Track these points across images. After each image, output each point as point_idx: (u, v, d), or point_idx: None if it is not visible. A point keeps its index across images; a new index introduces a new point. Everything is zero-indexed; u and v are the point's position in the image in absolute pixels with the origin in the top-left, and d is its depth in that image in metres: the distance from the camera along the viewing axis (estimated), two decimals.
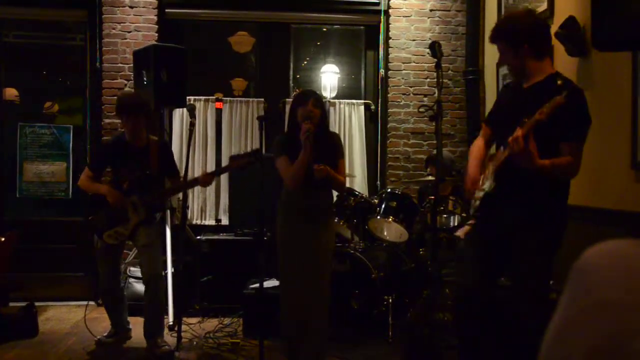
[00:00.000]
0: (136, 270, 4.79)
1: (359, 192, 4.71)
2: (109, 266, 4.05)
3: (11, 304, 4.66)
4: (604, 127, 2.83)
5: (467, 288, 2.94)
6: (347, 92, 6.11)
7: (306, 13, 5.92)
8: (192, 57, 5.70)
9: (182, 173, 4.09)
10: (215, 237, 5.25)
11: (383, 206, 4.47)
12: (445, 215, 4.40)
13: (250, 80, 6.31)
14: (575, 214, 2.96)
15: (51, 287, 5.43)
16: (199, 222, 5.78)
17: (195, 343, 4.17)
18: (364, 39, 6.11)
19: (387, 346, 4.09)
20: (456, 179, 4.47)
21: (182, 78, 4.74)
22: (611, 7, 1.97)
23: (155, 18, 5.57)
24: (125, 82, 5.49)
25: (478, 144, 3.05)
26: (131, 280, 4.96)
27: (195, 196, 5.78)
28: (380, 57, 5.82)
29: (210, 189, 5.79)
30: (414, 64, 5.70)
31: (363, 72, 6.11)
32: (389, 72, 5.71)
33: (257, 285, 3.88)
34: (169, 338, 4.11)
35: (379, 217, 4.47)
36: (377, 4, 5.74)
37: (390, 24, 5.69)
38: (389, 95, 5.73)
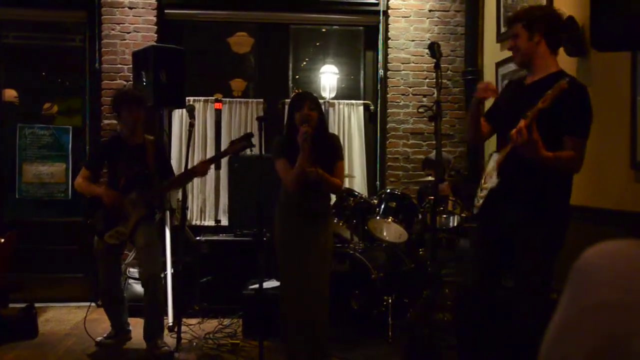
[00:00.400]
0: (135, 271, 4.78)
1: (359, 193, 4.71)
2: (109, 267, 4.05)
3: (11, 305, 4.65)
4: (603, 127, 2.84)
5: (468, 288, 2.94)
6: (346, 92, 6.11)
7: (305, 14, 5.93)
8: (191, 57, 5.69)
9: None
10: (215, 237, 5.25)
11: (382, 206, 4.47)
12: (444, 216, 4.40)
13: (250, 81, 6.30)
14: (575, 213, 2.96)
15: (51, 288, 5.42)
16: (198, 222, 5.78)
17: (195, 344, 4.17)
18: (363, 40, 6.11)
19: (387, 346, 4.09)
20: (455, 179, 4.47)
21: (181, 79, 4.75)
22: (610, 8, 1.97)
23: (155, 19, 5.57)
24: (125, 82, 5.48)
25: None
26: (131, 281, 4.96)
27: (195, 197, 5.78)
28: (379, 57, 5.82)
29: (210, 190, 5.79)
30: (413, 64, 5.71)
31: (362, 72, 6.11)
32: (388, 72, 5.71)
33: (256, 285, 3.88)
34: (169, 339, 4.11)
35: (378, 217, 4.47)
36: (376, 4, 5.74)
37: (389, 24, 5.69)
38: (388, 95, 5.73)
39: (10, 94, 5.98)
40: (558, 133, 2.62)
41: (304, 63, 6.30)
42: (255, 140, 3.88)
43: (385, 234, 4.68)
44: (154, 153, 4.04)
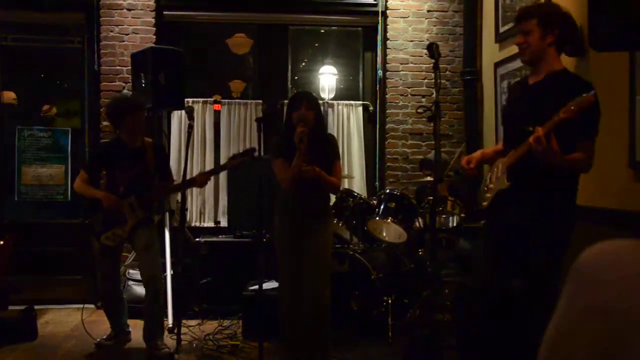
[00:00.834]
0: (135, 273, 4.79)
1: (358, 193, 4.71)
2: (107, 268, 4.05)
3: (10, 308, 4.65)
4: (602, 127, 2.83)
5: (473, 289, 2.93)
6: (345, 93, 6.12)
7: (304, 15, 5.93)
8: (190, 59, 5.70)
9: (181, 175, 4.09)
10: (214, 239, 5.25)
11: (382, 207, 4.47)
12: (444, 216, 4.40)
13: (249, 82, 6.31)
14: None
15: (50, 290, 5.42)
16: (198, 224, 5.78)
17: (194, 345, 4.17)
18: (361, 40, 6.11)
19: (386, 347, 4.09)
20: (454, 179, 4.47)
21: (180, 80, 4.75)
22: (608, 8, 1.97)
23: (153, 20, 5.57)
24: (124, 84, 5.49)
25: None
26: (130, 282, 4.95)
27: (194, 198, 5.78)
28: (378, 58, 5.83)
29: (209, 191, 5.79)
30: (411, 64, 5.71)
31: (361, 73, 6.11)
32: (387, 73, 5.72)
33: (256, 286, 3.88)
34: (169, 340, 4.11)
35: (378, 218, 4.47)
36: (375, 5, 5.75)
37: (387, 25, 5.70)
38: (387, 96, 5.73)
39: (9, 95, 5.98)
40: (570, 136, 2.59)
41: (303, 64, 6.30)
42: (254, 141, 3.88)
43: (384, 234, 4.68)
44: (153, 156, 4.04)
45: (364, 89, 6.08)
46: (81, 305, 4.64)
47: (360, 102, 5.97)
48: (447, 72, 5.69)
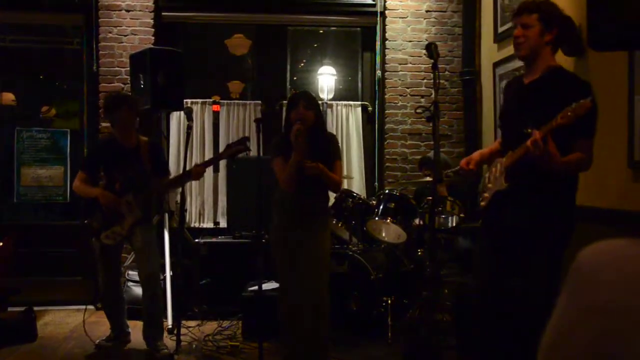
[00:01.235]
0: (134, 274, 4.78)
1: (357, 194, 4.71)
2: (108, 268, 4.05)
3: (10, 309, 4.64)
4: (601, 127, 2.83)
5: (471, 289, 2.93)
6: (344, 93, 6.12)
7: (302, 15, 5.93)
8: (189, 60, 5.70)
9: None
10: (214, 240, 5.25)
11: (381, 207, 4.47)
12: (443, 216, 4.40)
13: (247, 83, 6.31)
14: None
15: (50, 291, 5.41)
16: (197, 225, 5.78)
17: (194, 346, 4.17)
18: (360, 41, 6.12)
19: (386, 347, 4.09)
20: (453, 179, 4.47)
21: (179, 81, 4.75)
22: (607, 7, 1.97)
23: (152, 21, 5.57)
24: (122, 85, 5.48)
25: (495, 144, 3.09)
26: (130, 284, 4.95)
27: (194, 199, 5.78)
28: (376, 58, 5.83)
29: (209, 192, 5.79)
30: (410, 65, 5.71)
31: (360, 73, 6.11)
32: (386, 73, 5.72)
33: (255, 287, 3.88)
34: (168, 341, 4.11)
35: (377, 218, 4.47)
36: (373, 5, 5.75)
37: (386, 25, 5.70)
38: (386, 96, 5.74)
39: (8, 97, 5.98)
40: (568, 136, 2.56)
41: (302, 64, 6.31)
42: (253, 142, 3.88)
43: (384, 234, 4.68)
44: (149, 154, 4.04)
45: (362, 89, 6.09)
46: (80, 307, 4.65)
47: (359, 103, 5.97)
48: (446, 72, 5.69)
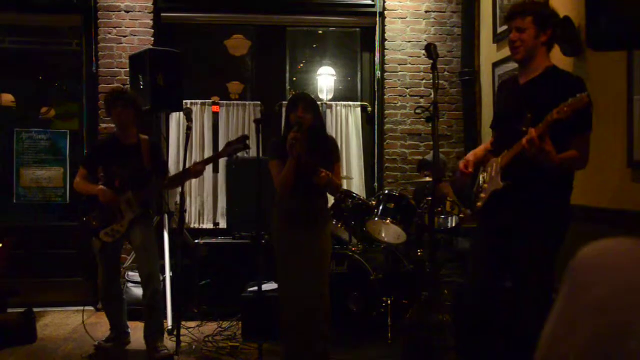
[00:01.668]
0: (134, 275, 4.78)
1: (357, 194, 4.70)
2: (108, 267, 4.05)
3: (9, 310, 4.64)
4: (600, 126, 2.84)
5: (468, 288, 2.93)
6: (343, 94, 6.12)
7: (302, 16, 5.93)
8: (188, 60, 5.70)
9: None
10: (213, 240, 5.25)
11: (381, 208, 4.47)
12: (442, 216, 4.40)
13: (247, 83, 6.31)
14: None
15: (49, 292, 5.41)
16: (196, 225, 5.78)
17: (194, 347, 4.17)
18: (359, 41, 6.12)
19: (386, 347, 4.09)
20: (454, 179, 4.47)
21: (179, 82, 4.75)
22: (606, 7, 1.98)
23: (151, 22, 5.57)
24: (122, 86, 5.47)
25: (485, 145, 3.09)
26: (129, 284, 4.95)
27: (193, 200, 5.78)
28: (376, 58, 5.83)
29: (208, 193, 5.79)
30: (409, 65, 5.72)
31: (359, 74, 6.12)
32: (385, 73, 5.72)
33: (255, 288, 3.88)
34: (168, 342, 4.11)
35: (376, 218, 4.47)
36: (372, 5, 5.75)
37: (385, 25, 5.70)
38: (385, 96, 5.74)
39: (7, 98, 5.98)
40: (564, 132, 2.55)
41: (301, 65, 6.31)
42: (252, 142, 3.88)
43: (383, 235, 4.68)
44: (149, 152, 4.04)
45: (362, 89, 6.09)
46: (79, 308, 4.64)
47: (359, 103, 5.97)
48: (445, 73, 5.69)
